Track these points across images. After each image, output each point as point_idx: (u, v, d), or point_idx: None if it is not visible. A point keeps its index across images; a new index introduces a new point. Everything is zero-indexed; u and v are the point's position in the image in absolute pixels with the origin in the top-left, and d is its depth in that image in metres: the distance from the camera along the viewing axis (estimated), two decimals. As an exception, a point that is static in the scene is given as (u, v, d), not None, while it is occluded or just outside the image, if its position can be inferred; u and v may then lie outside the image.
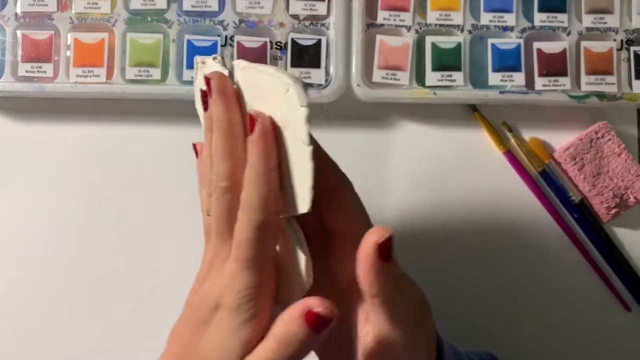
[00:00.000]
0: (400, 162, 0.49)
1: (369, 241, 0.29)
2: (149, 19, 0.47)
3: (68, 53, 0.47)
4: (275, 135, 0.30)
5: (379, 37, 0.48)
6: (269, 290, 0.30)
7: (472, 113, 0.50)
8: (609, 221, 0.49)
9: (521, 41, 0.48)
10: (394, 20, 0.48)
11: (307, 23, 0.47)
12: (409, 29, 0.48)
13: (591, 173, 0.48)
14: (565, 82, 0.48)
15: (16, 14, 0.47)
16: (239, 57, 0.47)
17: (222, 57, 0.33)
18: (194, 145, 0.37)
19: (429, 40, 0.48)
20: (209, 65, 0.34)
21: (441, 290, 0.49)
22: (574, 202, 0.49)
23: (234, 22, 0.47)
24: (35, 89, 0.46)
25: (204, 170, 0.33)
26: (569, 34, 0.48)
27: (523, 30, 0.48)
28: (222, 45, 0.47)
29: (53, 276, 0.48)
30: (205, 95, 0.32)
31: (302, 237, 0.31)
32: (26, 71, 0.46)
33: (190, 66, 0.47)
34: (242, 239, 0.30)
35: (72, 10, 0.47)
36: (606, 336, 0.49)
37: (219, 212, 0.31)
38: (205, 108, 0.32)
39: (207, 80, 0.32)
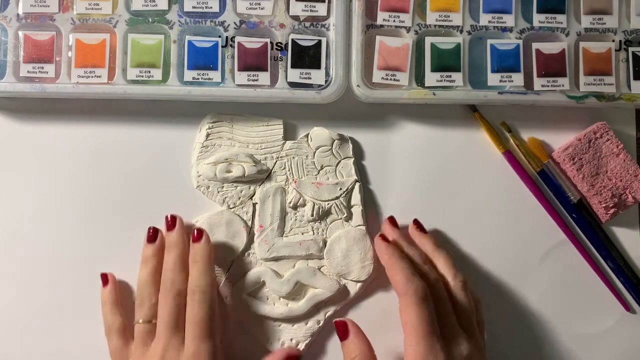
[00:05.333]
0: (400, 162, 0.50)
1: None
2: (150, 19, 0.47)
3: (70, 54, 0.47)
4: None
5: (378, 38, 0.48)
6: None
7: (472, 113, 0.50)
8: (607, 221, 0.49)
9: (520, 42, 0.48)
10: (394, 21, 0.48)
11: (307, 24, 0.48)
12: (408, 29, 0.48)
13: (590, 173, 0.49)
14: (564, 82, 0.48)
15: (18, 14, 0.47)
16: (239, 57, 0.47)
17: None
18: (103, 275, 0.47)
19: (428, 41, 0.48)
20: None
21: (440, 290, 0.49)
22: (572, 202, 0.49)
23: (234, 23, 0.47)
24: (37, 89, 0.46)
25: (141, 287, 0.44)
26: (567, 34, 0.49)
27: (522, 31, 0.48)
28: (222, 46, 0.47)
29: (53, 276, 0.48)
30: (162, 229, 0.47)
31: None
32: (28, 72, 0.47)
33: (192, 66, 0.47)
34: (196, 316, 0.42)
35: (74, 11, 0.47)
36: (604, 335, 0.49)
37: (173, 309, 0.42)
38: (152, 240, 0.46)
39: (170, 217, 0.46)
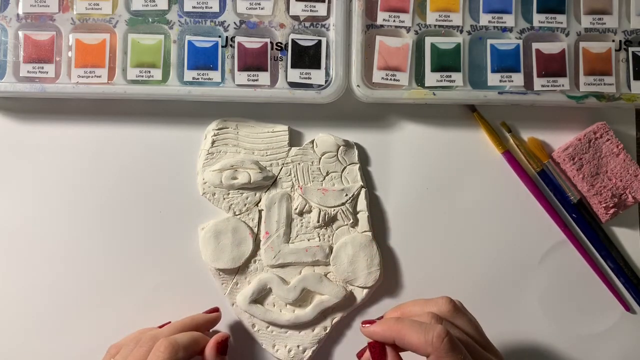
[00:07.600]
0: (399, 162, 0.50)
1: None
2: (150, 19, 0.47)
3: (69, 54, 0.47)
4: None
5: (378, 38, 0.48)
6: None
7: (471, 113, 0.50)
8: (607, 221, 0.49)
9: (520, 42, 0.48)
10: (394, 21, 0.48)
11: (307, 24, 0.48)
12: (408, 29, 0.48)
13: (590, 173, 0.49)
14: (564, 82, 0.48)
15: (18, 14, 0.47)
16: (239, 57, 0.47)
17: None
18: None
19: (428, 41, 0.48)
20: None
21: (440, 289, 0.49)
22: (572, 202, 0.49)
23: (234, 22, 0.47)
24: (37, 89, 0.46)
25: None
26: (567, 34, 0.49)
27: (522, 31, 0.48)
28: (222, 46, 0.47)
29: (53, 275, 0.48)
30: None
31: None
32: (28, 72, 0.47)
33: (192, 66, 0.47)
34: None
35: (74, 11, 0.47)
36: (604, 335, 0.49)
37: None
38: None
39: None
